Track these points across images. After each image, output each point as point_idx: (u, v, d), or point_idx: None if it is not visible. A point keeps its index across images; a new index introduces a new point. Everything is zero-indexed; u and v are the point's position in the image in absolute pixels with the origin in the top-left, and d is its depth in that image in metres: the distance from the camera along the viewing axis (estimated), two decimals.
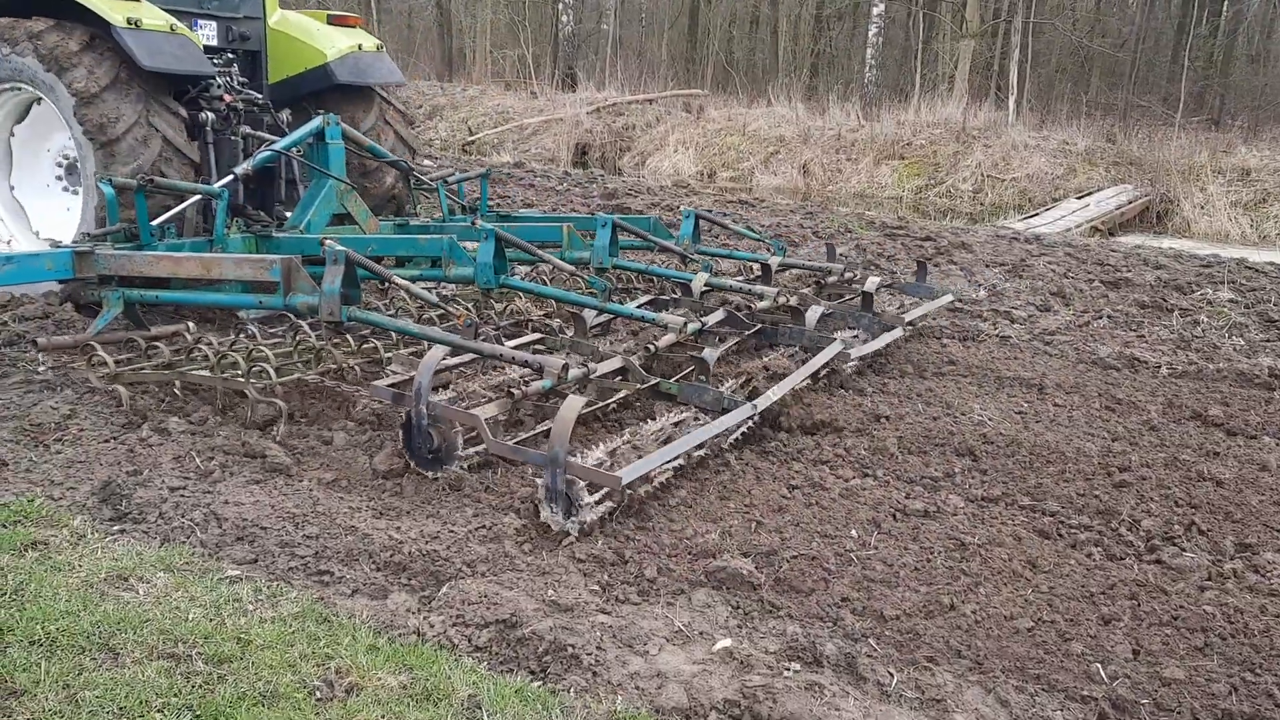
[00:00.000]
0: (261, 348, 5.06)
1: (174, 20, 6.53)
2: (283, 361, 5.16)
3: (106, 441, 4.50)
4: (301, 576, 3.53)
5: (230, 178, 6.26)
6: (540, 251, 5.80)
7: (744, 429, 4.80)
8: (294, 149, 6.68)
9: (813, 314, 6.00)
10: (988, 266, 10.03)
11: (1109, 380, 6.34)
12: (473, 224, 6.20)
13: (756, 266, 7.31)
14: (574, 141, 22.32)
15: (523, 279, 6.97)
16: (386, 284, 4.94)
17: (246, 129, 7.06)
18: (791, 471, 4.57)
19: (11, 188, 7.23)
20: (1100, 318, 8.02)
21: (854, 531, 3.99)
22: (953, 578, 3.69)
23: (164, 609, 3.21)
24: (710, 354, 5.12)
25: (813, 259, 9.44)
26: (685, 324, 5.32)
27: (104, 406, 4.86)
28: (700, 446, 4.46)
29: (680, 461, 4.36)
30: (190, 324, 5.65)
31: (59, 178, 7.10)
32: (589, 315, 5.65)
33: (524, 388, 4.37)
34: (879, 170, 19.61)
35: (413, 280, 5.91)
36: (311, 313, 4.78)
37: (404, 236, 6.27)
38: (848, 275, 7.53)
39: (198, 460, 4.31)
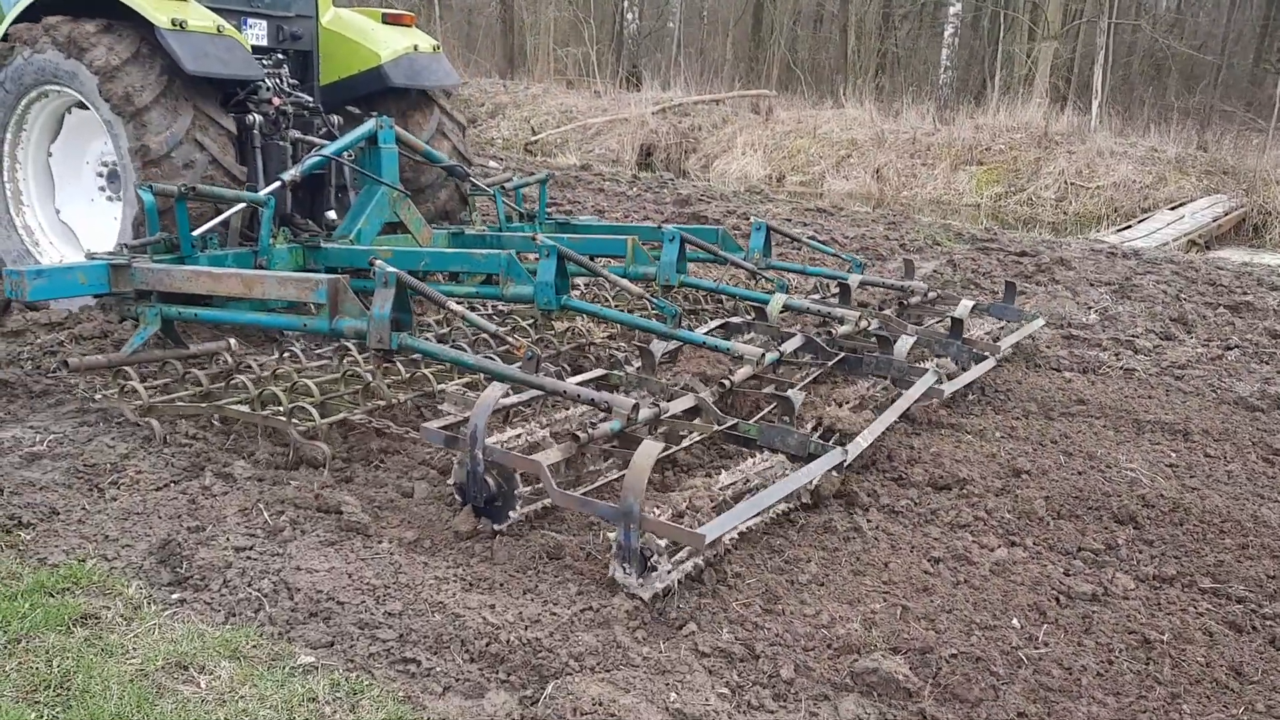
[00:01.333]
0: (305, 380, 4.67)
1: (221, 21, 6.21)
2: (328, 394, 4.76)
3: (166, 488, 4.08)
4: (384, 665, 3.05)
5: (277, 184, 5.93)
6: (605, 271, 5.36)
7: (835, 472, 4.27)
8: (345, 154, 6.34)
9: (903, 343, 5.47)
10: (1092, 285, 9.36)
11: (1260, 425, 5.69)
12: (533, 238, 5.84)
13: (834, 285, 6.80)
14: (639, 142, 21.83)
15: (581, 294, 6.62)
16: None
17: (296, 133, 6.74)
18: (930, 539, 4.01)
19: (57, 210, 6.87)
20: (1230, 348, 7.34)
21: (1016, 621, 3.43)
22: (1144, 688, 3.12)
23: (229, 710, 2.75)
24: (796, 395, 4.60)
25: (890, 276, 8.89)
26: (764, 354, 4.89)
27: (164, 443, 4.43)
28: (787, 498, 3.98)
29: (760, 517, 3.87)
30: (232, 341, 5.27)
31: (101, 188, 6.75)
32: (658, 347, 5.15)
33: (591, 430, 3.98)
34: (956, 176, 18.88)
35: (469, 298, 5.80)
36: (359, 338, 4.44)
37: (459, 251, 5.87)
38: (931, 295, 6.98)
39: (265, 514, 3.86)
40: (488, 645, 3.11)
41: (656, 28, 30.95)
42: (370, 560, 3.59)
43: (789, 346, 5.36)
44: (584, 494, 3.71)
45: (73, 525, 3.76)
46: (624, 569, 3.41)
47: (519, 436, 4.07)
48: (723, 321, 5.94)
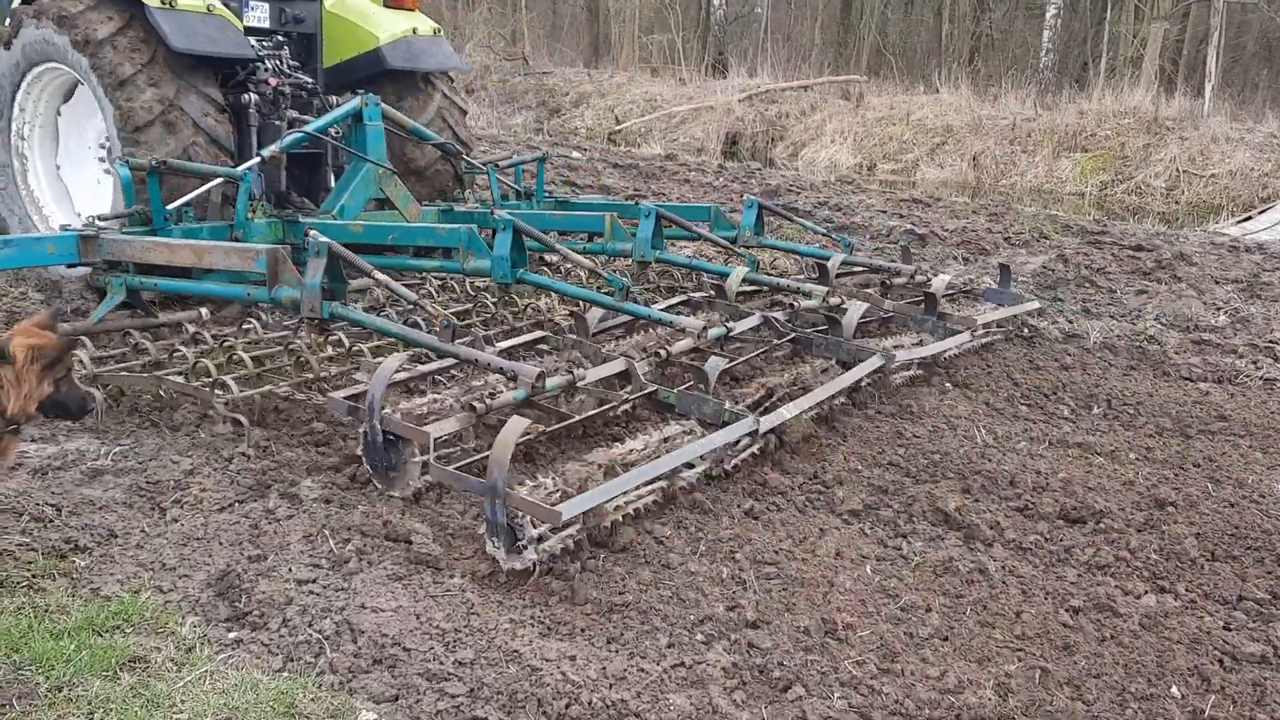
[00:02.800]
0: (242, 352, 4.77)
1: (213, 1, 6.28)
2: (267, 367, 4.88)
3: (229, 509, 3.82)
4: None
5: (256, 160, 6.01)
6: (559, 245, 5.29)
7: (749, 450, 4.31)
8: (333, 132, 6.42)
9: (851, 316, 5.38)
10: (1217, 283, 8.67)
11: None
12: (491, 212, 5.90)
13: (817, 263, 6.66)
14: (724, 131, 21.33)
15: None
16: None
17: (293, 114, 6.77)
18: (1066, 583, 3.55)
19: (57, 167, 6.97)
20: None
21: (1175, 689, 2.97)
22: None
23: None
24: (714, 364, 4.52)
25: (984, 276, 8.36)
26: (704, 327, 4.85)
27: (228, 461, 4.18)
28: (674, 472, 3.93)
29: (644, 489, 3.80)
30: (203, 311, 5.41)
31: (100, 160, 6.78)
32: (594, 316, 5.16)
33: (488, 400, 3.99)
34: (1058, 163, 18.01)
35: (432, 271, 6.01)
36: (295, 308, 4.50)
37: (423, 225, 5.96)
38: (920, 278, 6.72)
39: (331, 542, 3.57)
40: (567, 707, 2.76)
41: (743, 13, 30.34)
42: (441, 598, 3.27)
43: (742, 326, 5.30)
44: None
45: (130, 550, 3.52)
46: (493, 543, 3.42)
47: (428, 405, 4.12)
48: (684, 298, 5.90)
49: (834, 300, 5.70)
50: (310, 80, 7.07)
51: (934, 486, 4.31)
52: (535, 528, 3.38)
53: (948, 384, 5.76)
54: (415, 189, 7.38)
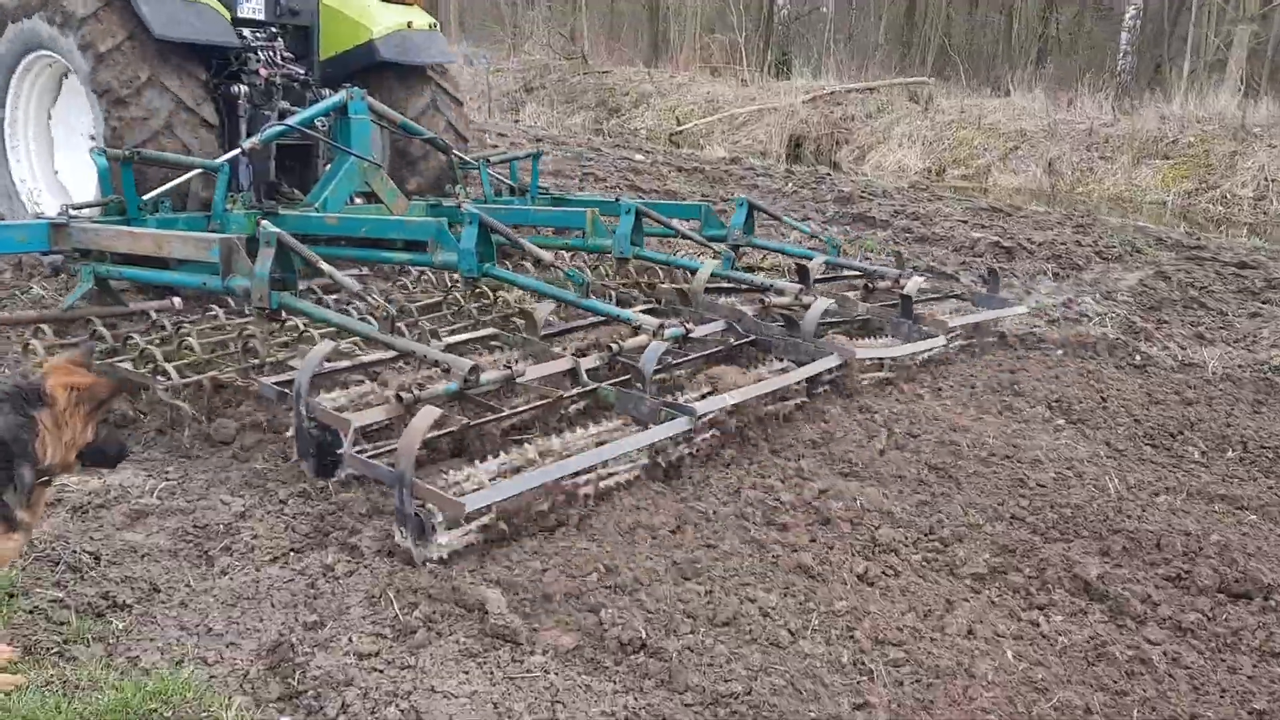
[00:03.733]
0: (191, 339, 4.80)
1: None
2: (218, 353, 4.86)
3: (284, 559, 3.44)
4: None
5: (236, 152, 5.98)
6: (523, 240, 5.20)
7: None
8: (319, 124, 6.41)
9: (811, 315, 5.29)
10: None
11: None
12: (459, 205, 5.91)
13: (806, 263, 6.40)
14: (788, 133, 20.82)
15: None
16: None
17: (284, 105, 6.78)
18: (1242, 678, 3.05)
19: (55, 172, 7.02)
20: None
21: None
22: None
23: None
24: (649, 358, 4.49)
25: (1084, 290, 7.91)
26: (661, 326, 4.76)
27: (283, 503, 3.81)
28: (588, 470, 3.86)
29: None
30: (176, 300, 5.48)
31: (91, 149, 6.62)
32: (543, 312, 5.08)
33: (417, 391, 3.93)
34: (1138, 171, 17.27)
35: (404, 266, 6.11)
36: (247, 297, 4.53)
37: (394, 219, 5.95)
38: (903, 281, 6.36)
39: (395, 607, 3.17)
40: None
41: (805, 12, 29.74)
42: (520, 681, 2.85)
43: (705, 329, 5.26)
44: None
45: (173, 609, 3.15)
46: (400, 532, 3.42)
47: (363, 395, 4.15)
48: (652, 305, 5.81)
49: (807, 300, 5.57)
50: (302, 72, 7.12)
51: (1067, 547, 3.82)
52: (441, 518, 3.37)
53: (1059, 419, 5.25)
54: (410, 183, 7.60)
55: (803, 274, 6.14)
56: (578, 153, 14.82)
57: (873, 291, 6.49)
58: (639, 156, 14.96)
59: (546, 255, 5.09)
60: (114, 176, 5.64)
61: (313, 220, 5.84)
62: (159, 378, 4.43)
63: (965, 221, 10.95)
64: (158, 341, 4.76)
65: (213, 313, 5.36)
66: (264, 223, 4.57)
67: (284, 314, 4.62)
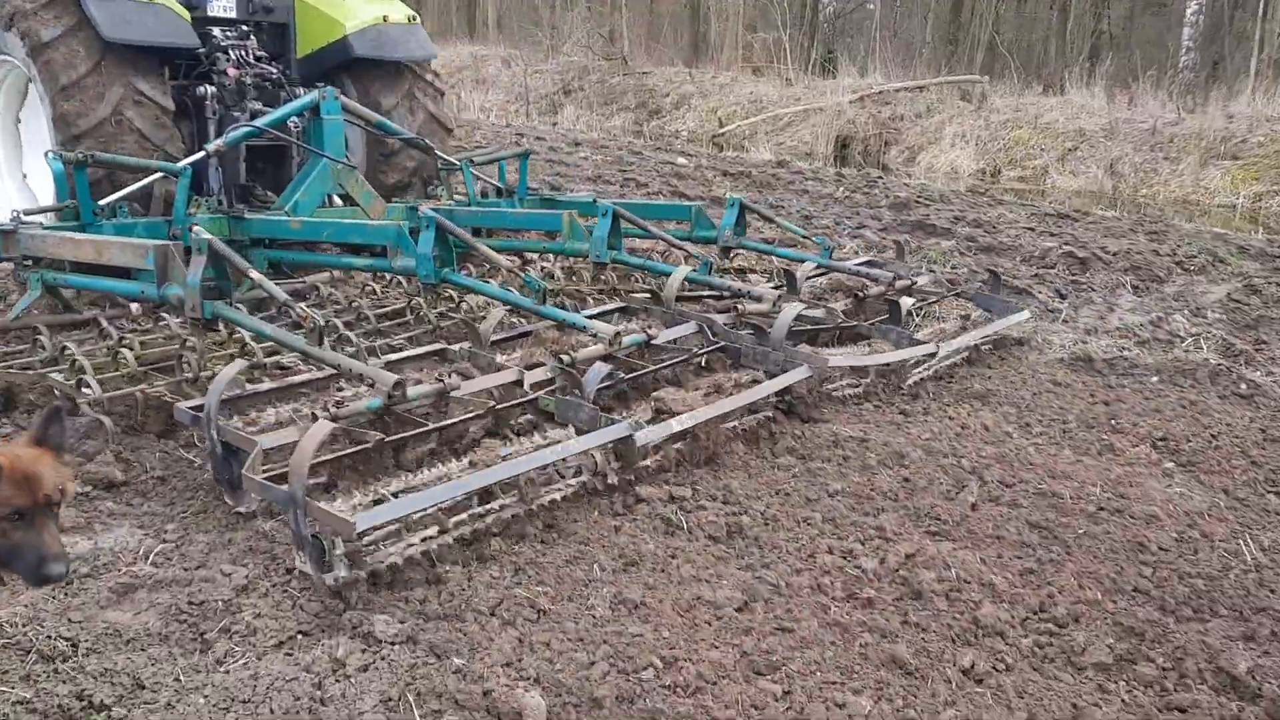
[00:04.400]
0: (125, 350, 4.55)
1: None
2: (153, 366, 4.62)
3: (288, 646, 2.95)
4: None
5: (200, 155, 5.79)
6: (480, 244, 5.05)
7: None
8: (291, 125, 6.28)
9: (781, 322, 4.96)
10: None
11: None
12: (418, 209, 5.66)
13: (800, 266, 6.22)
14: (834, 134, 20.19)
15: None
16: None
17: (256, 106, 6.64)
18: None
19: (24, 175, 6.95)
20: None
21: None
22: None
23: None
24: (595, 372, 4.23)
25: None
26: (617, 334, 4.58)
27: (289, 575, 3.32)
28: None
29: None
30: (134, 306, 5.25)
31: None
32: (490, 322, 4.85)
33: (334, 409, 3.66)
34: (1205, 172, 16.47)
35: (362, 270, 5.88)
36: (182, 306, 4.38)
37: (355, 222, 5.79)
38: (901, 284, 6.10)
39: (416, 713, 2.66)
40: None
41: (850, 9, 29.04)
42: None
43: (672, 333, 5.05)
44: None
45: (158, 712, 2.67)
46: (299, 556, 3.24)
47: (290, 414, 3.93)
48: (622, 305, 5.64)
49: (779, 307, 5.27)
50: (275, 71, 6.93)
51: (1204, 629, 3.25)
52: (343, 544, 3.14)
53: (1168, 462, 4.66)
54: (390, 183, 7.52)
55: (790, 281, 5.89)
56: (618, 156, 14.33)
57: (864, 299, 6.09)
58: (682, 160, 14.43)
59: (504, 261, 4.96)
60: (70, 181, 5.44)
61: (277, 224, 5.69)
62: (84, 390, 4.23)
63: (1032, 229, 10.31)
64: (93, 353, 4.60)
65: (165, 322, 5.15)
66: (195, 229, 4.40)
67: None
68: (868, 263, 6.83)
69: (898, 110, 20.67)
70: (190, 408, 3.87)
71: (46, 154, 5.61)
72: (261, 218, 5.82)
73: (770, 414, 4.77)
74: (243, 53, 6.79)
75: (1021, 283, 7.88)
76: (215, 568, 3.31)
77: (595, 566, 3.43)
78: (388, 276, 6.12)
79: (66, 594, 3.18)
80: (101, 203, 5.50)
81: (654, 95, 23.40)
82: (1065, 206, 12.56)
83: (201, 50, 6.58)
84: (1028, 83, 22.15)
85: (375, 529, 3.20)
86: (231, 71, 6.59)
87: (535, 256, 6.82)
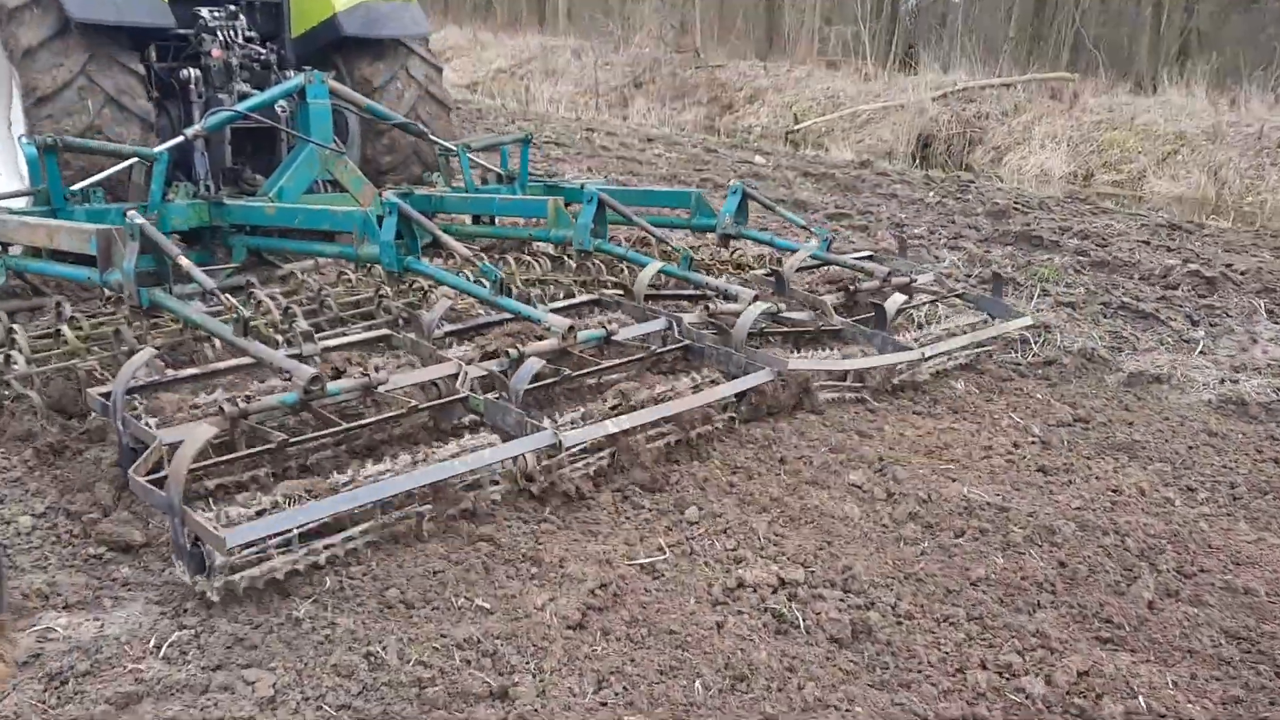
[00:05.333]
0: (67, 329, 4.44)
1: None
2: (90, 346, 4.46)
3: None
4: None
5: (178, 140, 5.68)
6: (439, 231, 4.91)
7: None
8: (278, 108, 6.26)
9: (742, 323, 4.74)
10: None
11: None
12: (380, 195, 5.50)
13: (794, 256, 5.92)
14: (916, 133, 19.30)
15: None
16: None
17: (244, 88, 6.46)
18: None
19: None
20: None
21: None
22: None
23: None
24: (524, 371, 3.97)
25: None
26: (571, 328, 4.38)
27: (329, 677, 2.73)
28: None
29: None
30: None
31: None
32: (434, 314, 4.69)
33: (243, 404, 3.46)
34: None
35: (329, 257, 5.72)
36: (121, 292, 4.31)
37: (322, 208, 5.60)
38: (898, 280, 5.76)
39: None
40: None
41: (931, 1, 28.00)
42: None
43: (637, 330, 4.88)
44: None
45: None
46: (178, 563, 3.12)
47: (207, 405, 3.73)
48: (595, 296, 5.41)
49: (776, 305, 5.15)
50: (263, 52, 6.70)
51: None
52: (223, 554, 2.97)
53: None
54: (388, 171, 7.36)
55: (779, 282, 5.62)
56: (693, 155, 13.66)
57: (856, 292, 5.75)
58: (759, 159, 13.72)
59: (462, 249, 4.84)
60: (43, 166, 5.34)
61: (252, 210, 5.63)
62: (11, 364, 4.19)
63: (1145, 242, 9.44)
64: (36, 329, 4.57)
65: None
66: (130, 214, 4.28)
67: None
68: (868, 256, 6.51)
69: (982, 108, 19.71)
70: (100, 393, 3.68)
71: (19, 138, 5.55)
72: (239, 203, 5.75)
73: (882, 468, 4.13)
74: (231, 33, 6.58)
75: (1148, 306, 7.09)
76: (236, 671, 2.73)
77: (698, 683, 2.79)
78: (369, 265, 5.78)
79: (59, 697, 2.63)
80: (74, 188, 5.39)
81: (726, 89, 22.65)
82: (1170, 214, 11.63)
83: (190, 32, 6.44)
84: (1116, 81, 21.07)
85: (247, 546, 3.00)
86: (216, 53, 6.39)
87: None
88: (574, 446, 3.78)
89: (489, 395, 3.94)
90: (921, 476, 4.16)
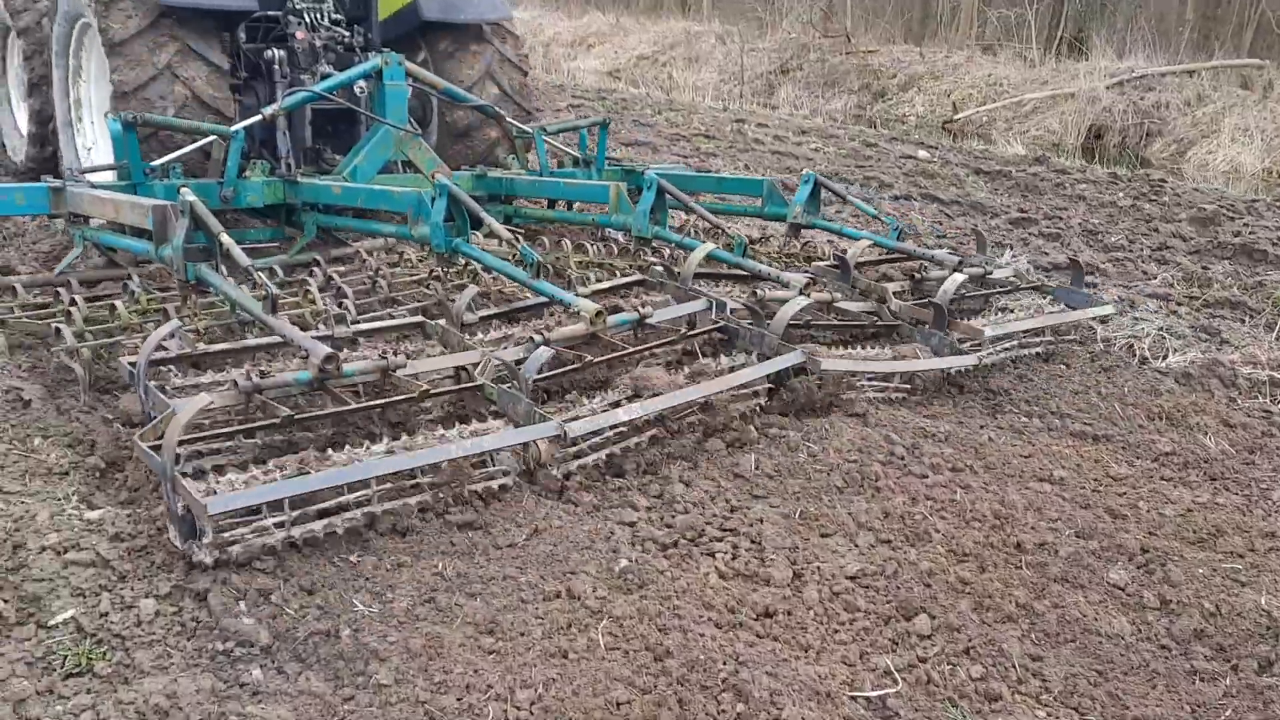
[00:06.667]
0: (120, 304, 4.62)
1: None
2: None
3: None
4: None
5: (256, 119, 5.78)
6: (486, 215, 4.89)
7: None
8: (357, 90, 6.25)
9: (784, 312, 4.60)
10: None
11: None
12: (431, 176, 5.62)
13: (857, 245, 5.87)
14: (1087, 123, 17.95)
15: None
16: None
17: (328, 69, 6.51)
18: None
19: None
20: None
21: None
22: None
23: None
24: (533, 361, 3.88)
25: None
26: (598, 313, 4.31)
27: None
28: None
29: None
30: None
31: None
32: (463, 301, 4.75)
33: (257, 379, 3.60)
34: None
35: (388, 237, 5.89)
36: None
37: (382, 188, 5.57)
38: (972, 270, 5.62)
39: None
40: None
41: None
42: None
43: (674, 312, 4.88)
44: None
45: None
46: (171, 528, 3.17)
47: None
48: (638, 278, 5.44)
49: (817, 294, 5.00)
50: (347, 34, 6.79)
51: None
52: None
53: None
54: (460, 152, 7.33)
55: (844, 268, 5.57)
56: (852, 149, 12.81)
57: (921, 281, 5.76)
58: (923, 153, 12.76)
59: (504, 231, 4.87)
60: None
61: (321, 189, 5.74)
62: (59, 336, 4.28)
63: None
64: (84, 306, 4.62)
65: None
66: (183, 190, 4.40)
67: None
68: (961, 262, 6.07)
69: (1162, 97, 18.21)
70: (129, 362, 3.82)
71: (105, 115, 5.68)
72: (310, 182, 5.84)
73: (1148, 563, 3.36)
74: (317, 16, 6.69)
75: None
76: None
77: None
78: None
79: None
80: (154, 164, 5.52)
81: (879, 76, 21.57)
82: None
83: (278, 14, 6.56)
84: None
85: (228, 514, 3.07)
86: (301, 35, 6.49)
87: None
88: (579, 436, 3.71)
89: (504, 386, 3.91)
90: (1200, 577, 3.38)
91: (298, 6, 6.61)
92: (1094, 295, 5.97)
